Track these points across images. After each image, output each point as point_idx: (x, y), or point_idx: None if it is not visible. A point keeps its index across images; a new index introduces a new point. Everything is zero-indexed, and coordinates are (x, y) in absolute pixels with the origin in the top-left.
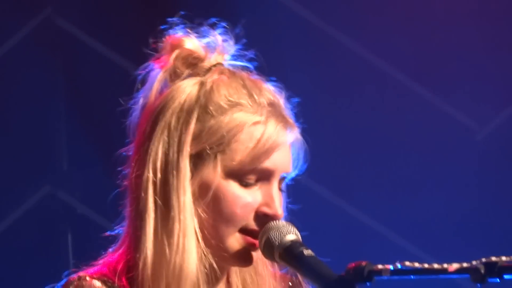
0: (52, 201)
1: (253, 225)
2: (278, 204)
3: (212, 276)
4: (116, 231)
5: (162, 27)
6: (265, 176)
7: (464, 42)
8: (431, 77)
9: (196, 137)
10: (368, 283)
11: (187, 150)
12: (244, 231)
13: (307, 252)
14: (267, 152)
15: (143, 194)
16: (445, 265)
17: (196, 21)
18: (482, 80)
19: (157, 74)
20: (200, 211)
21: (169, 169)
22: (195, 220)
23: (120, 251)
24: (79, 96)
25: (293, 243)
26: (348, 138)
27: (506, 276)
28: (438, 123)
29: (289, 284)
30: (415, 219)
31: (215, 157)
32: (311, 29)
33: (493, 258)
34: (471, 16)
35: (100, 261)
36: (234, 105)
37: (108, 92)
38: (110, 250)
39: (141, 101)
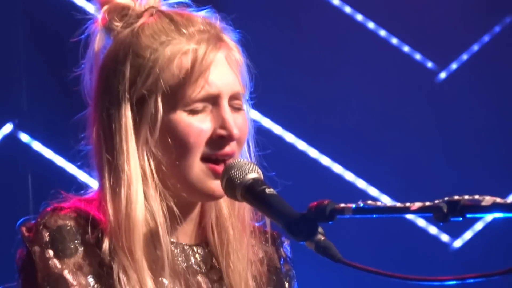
0: (12, 141)
1: (211, 151)
2: (232, 124)
3: (175, 217)
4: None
5: None
6: (211, 100)
7: None
8: (394, 19)
9: (132, 84)
10: (330, 222)
11: (126, 99)
12: (205, 159)
13: (269, 190)
14: (201, 75)
15: (97, 152)
16: (408, 204)
17: None
18: (442, 20)
19: (95, 33)
20: (154, 153)
21: (112, 123)
22: (147, 165)
23: (93, 193)
24: (40, 38)
25: (255, 181)
26: (311, 82)
27: (468, 215)
28: (399, 64)
29: (262, 235)
30: (376, 163)
31: (156, 96)
32: None
33: (456, 197)
34: None
35: (77, 196)
36: (161, 42)
37: (68, 32)
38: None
39: (87, 63)
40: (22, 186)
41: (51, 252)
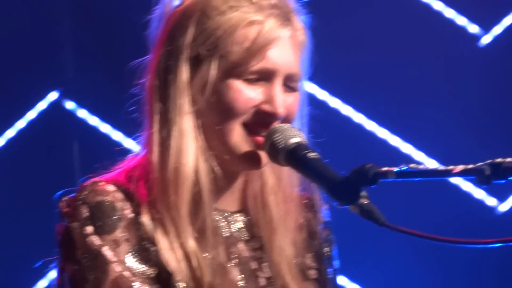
0: (59, 108)
1: (254, 121)
2: (279, 103)
3: (220, 182)
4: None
5: None
6: (266, 75)
7: None
8: None
9: (194, 40)
10: (373, 185)
11: (185, 54)
12: (246, 126)
13: (312, 154)
14: (262, 49)
15: (148, 99)
16: (450, 167)
17: None
18: None
19: None
20: (202, 112)
21: (168, 73)
22: (196, 122)
23: (139, 156)
24: (84, 2)
25: (298, 145)
26: (354, 47)
27: (511, 178)
28: (440, 29)
29: (302, 201)
30: (420, 127)
31: (213, 58)
32: None
33: (499, 160)
34: None
35: (119, 167)
36: (231, 6)
37: None
38: (131, 155)
39: (158, 11)
40: (68, 154)
41: (90, 228)
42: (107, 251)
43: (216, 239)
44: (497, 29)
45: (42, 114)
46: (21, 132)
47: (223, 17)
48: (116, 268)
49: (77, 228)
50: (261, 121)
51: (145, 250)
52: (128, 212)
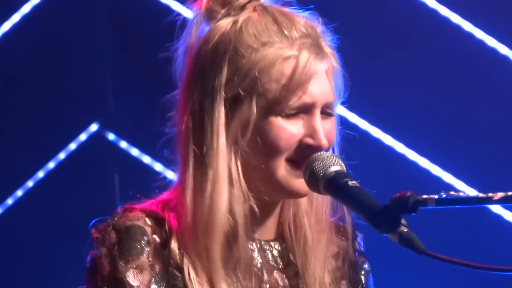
0: (99, 140)
1: (298, 156)
2: (321, 135)
3: (257, 217)
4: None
5: None
6: (305, 109)
7: None
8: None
9: (229, 80)
10: (413, 213)
11: (221, 95)
12: (291, 161)
13: (352, 183)
14: (301, 86)
15: (184, 142)
16: (490, 194)
17: None
18: None
19: (194, 16)
20: (243, 154)
21: (204, 115)
22: (234, 165)
23: (172, 191)
24: (125, 35)
25: (338, 173)
26: (391, 72)
27: None
28: (472, 50)
29: (337, 229)
30: (458, 154)
31: (251, 98)
32: None
33: None
34: None
35: (152, 199)
36: (263, 43)
37: (153, 32)
38: (168, 190)
39: (182, 46)
40: (109, 185)
41: (116, 253)
42: (130, 278)
43: (249, 270)
44: None
45: (82, 145)
46: (61, 164)
47: (257, 55)
48: None
49: (104, 253)
50: (305, 154)
51: (171, 277)
52: (157, 238)
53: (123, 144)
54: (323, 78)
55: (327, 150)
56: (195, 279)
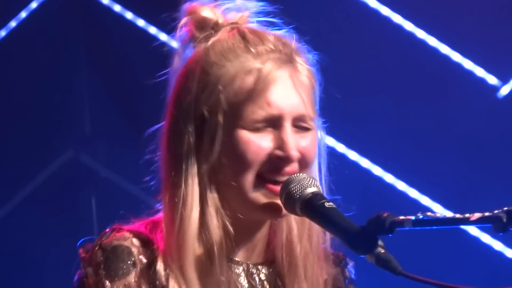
0: (75, 165)
1: (268, 169)
2: (291, 145)
3: (238, 236)
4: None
5: None
6: (273, 121)
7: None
8: (450, 32)
9: (197, 99)
10: (390, 234)
11: (190, 114)
12: (262, 176)
13: (328, 204)
14: (262, 95)
15: (161, 164)
16: (467, 215)
17: None
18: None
19: (178, 44)
20: (214, 172)
21: (175, 138)
22: (207, 182)
23: (159, 214)
24: (101, 60)
25: (314, 195)
26: (366, 96)
27: None
28: (459, 79)
29: (327, 256)
30: (435, 177)
31: (217, 113)
32: None
33: None
34: None
35: (140, 219)
36: (228, 59)
37: (129, 55)
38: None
39: (171, 76)
40: (86, 209)
41: (102, 273)
42: None
43: None
44: None
45: (58, 170)
46: (38, 189)
47: (221, 70)
48: None
49: (90, 272)
50: (276, 167)
51: None
52: (143, 258)
53: (99, 168)
54: (287, 87)
55: (304, 167)
56: None
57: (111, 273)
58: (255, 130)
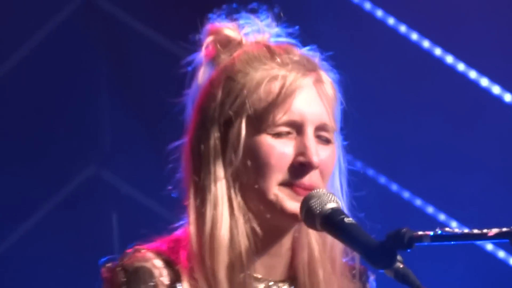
0: (96, 181)
1: (291, 178)
2: (313, 152)
3: (262, 245)
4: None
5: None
6: (295, 127)
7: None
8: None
9: (222, 105)
10: (408, 250)
11: (215, 119)
12: (284, 182)
13: (348, 220)
14: (286, 100)
15: (185, 174)
16: (485, 230)
17: (240, 9)
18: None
19: (200, 62)
20: (239, 174)
21: (201, 143)
22: (232, 186)
23: (183, 228)
24: (122, 77)
25: (334, 211)
26: (385, 114)
27: None
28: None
29: (349, 271)
30: (450, 192)
31: (241, 118)
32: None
33: None
34: None
35: (163, 237)
36: (254, 67)
37: (151, 73)
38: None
39: (191, 95)
40: (107, 225)
41: None
42: None
43: None
44: None
45: (79, 186)
46: (58, 205)
47: (247, 77)
48: None
49: None
50: (298, 174)
51: None
52: (166, 280)
53: (120, 184)
54: (311, 96)
55: (323, 178)
56: None
57: None
58: (278, 135)
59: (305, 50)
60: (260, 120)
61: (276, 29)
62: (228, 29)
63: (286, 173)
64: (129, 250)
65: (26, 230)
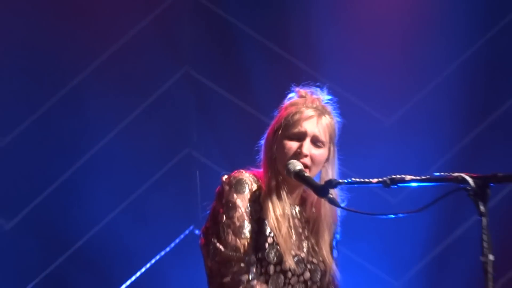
0: (189, 160)
1: (294, 156)
2: (304, 148)
3: (286, 186)
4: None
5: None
6: (301, 136)
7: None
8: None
9: (278, 122)
10: (334, 188)
11: (274, 130)
12: (291, 158)
13: (306, 174)
14: (299, 123)
15: (263, 153)
16: (373, 180)
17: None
18: (389, 76)
19: (287, 104)
20: (274, 154)
21: (268, 141)
22: (273, 159)
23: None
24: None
25: (300, 170)
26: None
27: (397, 185)
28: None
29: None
30: None
31: (280, 128)
32: None
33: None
34: (380, 16)
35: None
36: (296, 109)
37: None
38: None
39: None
40: (193, 193)
41: (233, 189)
42: (238, 201)
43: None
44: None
45: (178, 162)
46: (165, 174)
47: (288, 110)
48: (240, 210)
49: (227, 188)
50: (297, 155)
51: (256, 207)
52: (255, 187)
53: (206, 162)
54: (314, 123)
55: (313, 167)
56: (271, 207)
57: (236, 189)
58: (291, 139)
59: (325, 97)
60: (285, 131)
61: (320, 92)
62: (304, 92)
63: (292, 154)
64: (237, 170)
65: (137, 195)
